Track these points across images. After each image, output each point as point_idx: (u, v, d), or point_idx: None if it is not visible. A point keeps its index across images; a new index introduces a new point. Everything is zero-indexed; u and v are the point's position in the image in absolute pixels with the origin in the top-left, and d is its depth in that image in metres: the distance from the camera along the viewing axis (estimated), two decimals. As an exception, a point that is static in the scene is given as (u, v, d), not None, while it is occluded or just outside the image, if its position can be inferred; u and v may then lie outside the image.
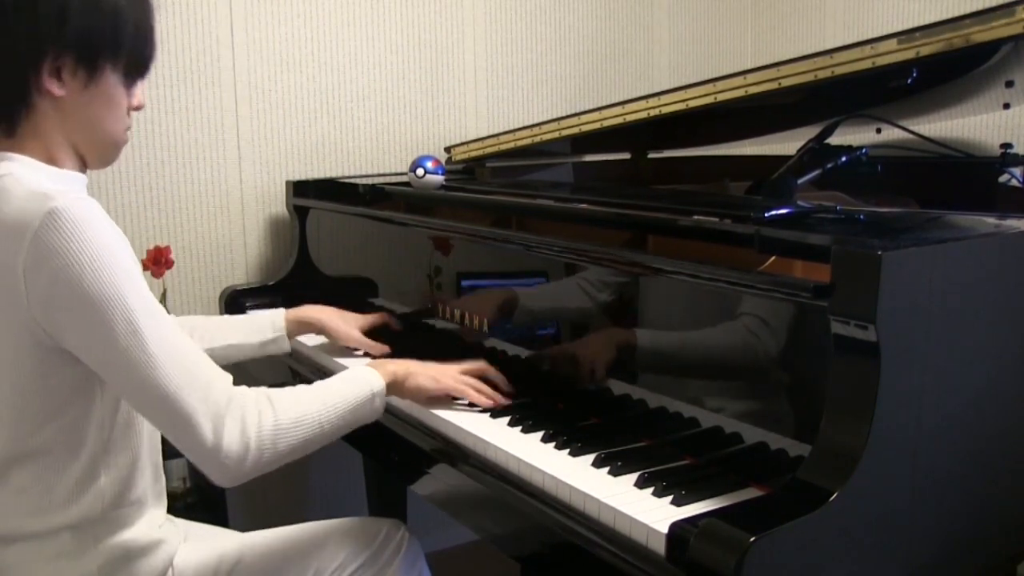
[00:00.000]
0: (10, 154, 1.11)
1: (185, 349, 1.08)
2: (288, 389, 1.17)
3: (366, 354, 1.64)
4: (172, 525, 1.31)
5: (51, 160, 1.13)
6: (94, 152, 1.17)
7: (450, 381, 1.33)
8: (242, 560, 1.29)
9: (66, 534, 1.14)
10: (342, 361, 1.61)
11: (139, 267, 1.09)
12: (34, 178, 1.07)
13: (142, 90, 1.20)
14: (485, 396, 1.33)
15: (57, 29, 1.07)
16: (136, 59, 1.15)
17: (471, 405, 1.33)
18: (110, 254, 1.03)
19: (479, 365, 1.38)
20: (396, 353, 1.59)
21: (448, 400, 1.34)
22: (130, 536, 1.19)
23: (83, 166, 1.18)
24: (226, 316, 1.64)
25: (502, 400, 1.33)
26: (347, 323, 1.65)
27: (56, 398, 1.10)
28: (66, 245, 1.00)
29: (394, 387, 1.29)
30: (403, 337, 1.68)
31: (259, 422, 1.09)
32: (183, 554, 1.27)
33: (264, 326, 1.57)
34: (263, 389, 1.14)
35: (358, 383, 1.23)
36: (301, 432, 1.13)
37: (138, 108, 1.19)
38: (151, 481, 1.24)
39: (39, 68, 1.08)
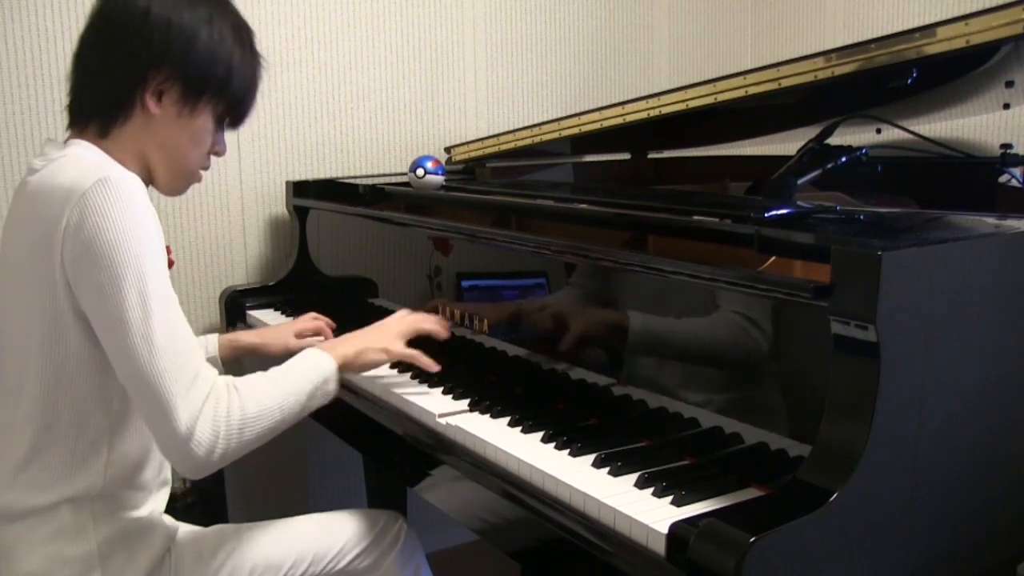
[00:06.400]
0: (85, 143, 1.20)
1: (184, 340, 1.12)
2: (250, 380, 1.21)
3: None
4: (171, 519, 1.32)
5: (120, 164, 1.19)
6: (163, 175, 1.25)
7: (398, 350, 1.38)
8: (239, 548, 1.31)
9: (65, 509, 1.16)
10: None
11: (165, 258, 1.14)
12: (97, 159, 1.16)
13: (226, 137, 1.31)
14: (430, 362, 1.40)
15: (179, 57, 1.18)
16: (235, 111, 1.27)
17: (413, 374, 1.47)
18: (144, 231, 1.10)
19: (417, 317, 1.45)
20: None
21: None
22: (129, 518, 1.21)
23: (147, 182, 1.24)
24: None
25: (435, 367, 1.41)
26: (282, 337, 1.63)
27: (70, 363, 1.14)
28: (109, 209, 1.07)
29: (345, 367, 1.33)
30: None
31: (228, 415, 1.13)
32: (181, 541, 1.29)
33: None
34: (231, 380, 1.18)
35: (312, 369, 1.27)
36: (263, 423, 1.17)
37: (219, 154, 1.30)
38: (155, 470, 1.27)
39: (146, 82, 1.18)
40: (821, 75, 1.36)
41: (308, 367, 1.27)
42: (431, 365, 1.40)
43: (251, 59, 1.26)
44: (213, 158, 1.30)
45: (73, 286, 1.10)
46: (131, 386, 1.11)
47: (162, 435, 1.10)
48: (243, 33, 1.25)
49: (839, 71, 1.34)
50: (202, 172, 1.29)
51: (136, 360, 1.08)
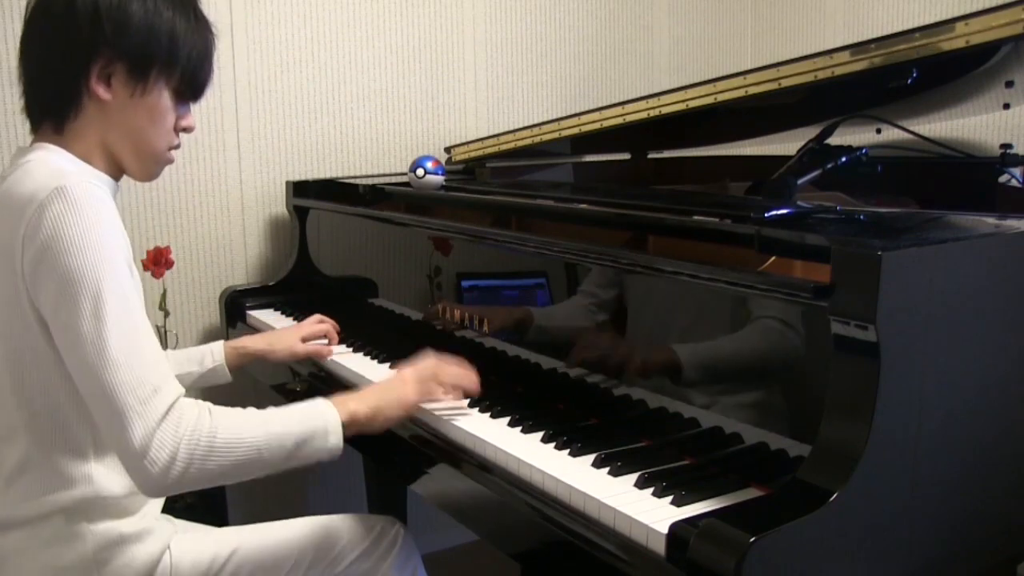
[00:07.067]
0: (47, 144, 1.17)
1: (145, 351, 1.07)
2: (236, 410, 1.14)
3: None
4: (168, 522, 1.32)
5: (85, 159, 1.17)
6: (132, 161, 1.22)
7: (415, 400, 1.29)
8: (238, 551, 1.31)
9: (59, 518, 1.16)
10: (340, 360, 1.61)
11: (131, 265, 1.11)
12: (59, 164, 1.13)
13: (193, 112, 1.26)
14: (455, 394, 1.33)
15: (114, 37, 1.13)
16: (190, 81, 1.21)
17: None
18: (100, 238, 1.07)
19: (448, 371, 1.34)
20: (393, 349, 1.58)
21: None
22: (124, 522, 1.21)
23: (118, 173, 1.23)
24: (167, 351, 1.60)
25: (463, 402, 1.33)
26: (287, 343, 1.63)
27: (42, 374, 1.13)
28: (63, 218, 1.05)
29: (355, 426, 1.22)
30: (405, 337, 1.68)
31: (191, 435, 1.06)
32: (179, 545, 1.29)
33: (203, 357, 1.56)
34: (207, 405, 1.11)
35: (312, 417, 1.17)
36: (235, 455, 1.09)
37: (187, 129, 1.26)
38: None
39: (89, 70, 1.14)
40: (821, 75, 1.37)
41: (307, 414, 1.18)
42: (458, 399, 1.33)
43: (197, 26, 1.20)
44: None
45: (32, 297, 1.08)
46: (88, 397, 1.08)
47: (118, 449, 1.06)
48: (184, 1, 1.19)
49: (839, 71, 1.34)
50: (172, 153, 1.25)
51: (90, 371, 1.04)
